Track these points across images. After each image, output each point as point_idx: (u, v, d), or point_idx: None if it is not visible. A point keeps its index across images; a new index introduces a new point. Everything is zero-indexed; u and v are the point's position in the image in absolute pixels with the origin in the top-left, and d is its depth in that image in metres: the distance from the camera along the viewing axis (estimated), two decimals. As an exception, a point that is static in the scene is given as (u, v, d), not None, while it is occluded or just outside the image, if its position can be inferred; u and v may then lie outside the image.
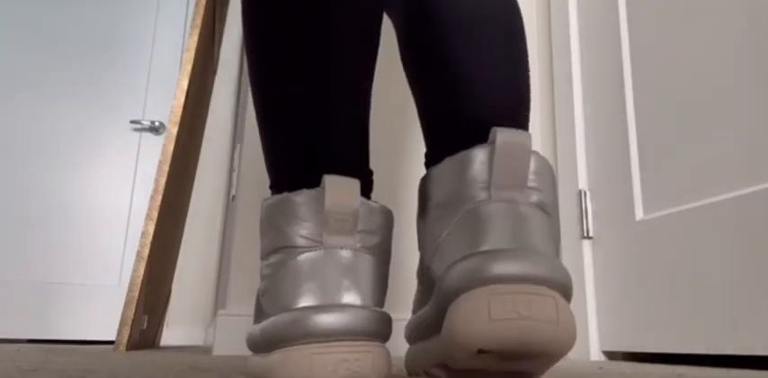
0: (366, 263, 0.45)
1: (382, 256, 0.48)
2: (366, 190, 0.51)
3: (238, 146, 1.43)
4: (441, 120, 0.54)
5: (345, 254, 0.44)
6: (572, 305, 1.18)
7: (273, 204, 0.47)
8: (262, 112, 0.52)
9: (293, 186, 0.47)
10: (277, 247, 0.45)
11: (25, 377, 0.48)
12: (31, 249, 2.29)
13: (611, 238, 1.12)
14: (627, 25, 1.17)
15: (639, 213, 1.07)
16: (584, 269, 1.17)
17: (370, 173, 0.53)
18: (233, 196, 1.51)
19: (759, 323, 0.81)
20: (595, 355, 1.11)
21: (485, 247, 0.41)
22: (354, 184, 0.45)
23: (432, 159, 0.54)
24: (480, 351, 0.38)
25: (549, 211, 0.45)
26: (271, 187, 0.52)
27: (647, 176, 1.07)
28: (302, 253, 0.44)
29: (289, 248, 0.45)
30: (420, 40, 0.56)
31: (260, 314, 0.48)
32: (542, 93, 1.40)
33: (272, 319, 0.43)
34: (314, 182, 0.47)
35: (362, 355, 0.41)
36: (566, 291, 0.40)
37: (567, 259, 1.21)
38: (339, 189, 0.45)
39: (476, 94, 0.52)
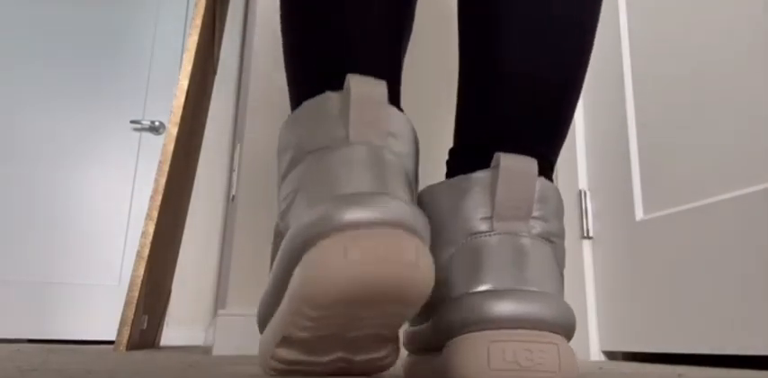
0: (397, 163, 0.40)
1: (411, 170, 0.43)
2: (395, 96, 0.47)
3: (238, 146, 1.43)
4: (470, 112, 0.50)
5: (375, 149, 0.39)
6: (572, 305, 1.19)
7: (296, 115, 0.43)
8: (288, 12, 0.49)
9: (312, 96, 0.43)
10: (301, 155, 0.41)
11: (25, 377, 0.48)
12: (31, 249, 2.29)
13: (611, 238, 1.12)
14: (627, 25, 1.17)
15: (639, 213, 1.07)
16: (584, 269, 1.17)
17: (399, 84, 0.49)
18: (233, 196, 1.51)
19: (759, 323, 0.81)
20: (595, 355, 1.11)
21: (484, 286, 0.39)
22: (381, 85, 0.41)
23: (454, 161, 0.50)
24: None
25: (554, 239, 0.43)
26: (292, 108, 0.48)
27: (647, 176, 1.07)
28: (333, 150, 0.39)
29: (316, 152, 0.40)
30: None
31: (274, 255, 0.43)
32: (542, 93, 1.40)
33: (293, 227, 0.37)
34: (339, 85, 0.42)
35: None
36: (568, 332, 0.39)
37: (567, 259, 1.22)
38: (364, 86, 0.40)
39: (514, 90, 0.47)
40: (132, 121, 2.48)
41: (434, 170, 0.81)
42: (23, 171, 2.35)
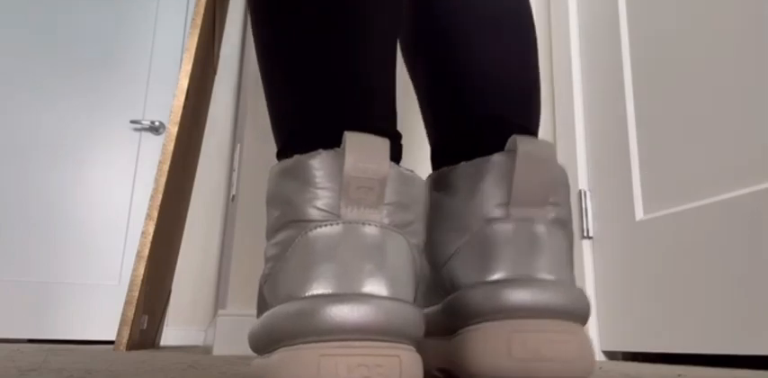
0: (396, 243, 0.36)
1: (416, 239, 0.38)
2: (396, 156, 0.42)
3: (238, 146, 1.43)
4: (450, 114, 0.49)
5: (370, 230, 0.35)
6: (572, 305, 1.19)
7: (283, 170, 0.38)
8: (269, 55, 0.43)
9: (307, 148, 0.38)
10: (286, 221, 0.37)
11: (25, 377, 0.48)
12: (31, 249, 2.29)
13: (611, 238, 1.12)
14: (627, 25, 1.17)
15: (639, 213, 1.07)
16: (584, 269, 1.17)
17: (399, 136, 0.43)
18: (233, 196, 1.51)
19: (759, 323, 0.81)
20: (595, 355, 1.11)
21: (500, 275, 0.39)
22: (383, 144, 0.36)
23: (442, 157, 0.49)
24: None
25: (566, 224, 0.43)
26: (278, 155, 0.43)
27: (647, 176, 1.07)
28: (315, 228, 0.35)
29: (299, 223, 0.36)
30: (430, 26, 0.52)
31: (263, 306, 0.41)
32: (542, 93, 1.40)
33: (274, 309, 0.34)
34: (333, 142, 0.38)
35: (387, 360, 0.32)
36: (584, 319, 0.39)
37: (567, 259, 1.21)
38: (364, 148, 0.35)
39: (489, 89, 0.48)
40: (132, 121, 2.48)
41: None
42: (23, 171, 2.35)
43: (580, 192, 1.21)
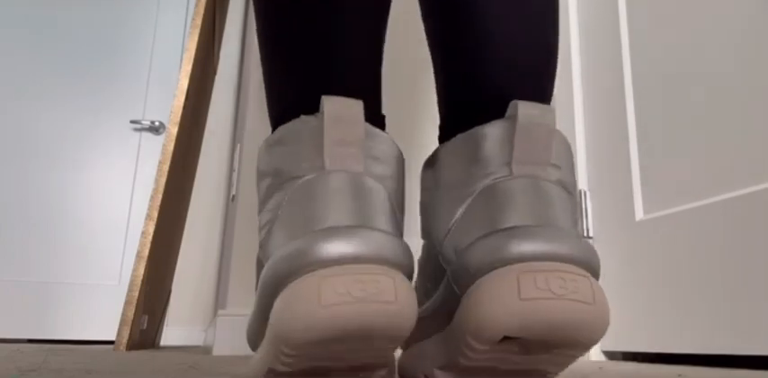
0: (377, 189, 0.38)
1: (395, 194, 0.41)
2: (375, 119, 0.45)
3: (238, 146, 1.43)
4: (456, 85, 0.48)
5: (353, 176, 0.38)
6: (572, 305, 1.18)
7: (270, 142, 0.41)
8: (265, 34, 0.47)
9: (289, 119, 0.41)
10: (275, 185, 0.39)
11: (25, 377, 0.48)
12: (31, 249, 2.29)
13: (611, 238, 1.12)
14: (627, 25, 1.17)
15: (639, 213, 1.07)
16: (584, 269, 1.17)
17: (383, 117, 0.47)
18: (233, 196, 1.51)
19: (759, 323, 0.81)
20: (595, 355, 1.11)
21: (509, 224, 0.37)
22: (357, 105, 0.39)
23: (445, 133, 0.49)
24: (504, 338, 0.34)
25: (570, 190, 0.41)
26: (273, 130, 0.46)
27: (647, 176, 1.07)
28: (305, 179, 0.38)
29: (289, 181, 0.38)
30: None
31: (257, 283, 0.42)
32: (542, 93, 1.40)
33: (272, 258, 0.36)
34: (315, 108, 0.41)
35: (382, 278, 0.33)
36: (596, 274, 0.37)
37: (567, 259, 1.21)
38: (339, 107, 0.38)
39: (499, 56, 0.46)
40: (132, 121, 2.48)
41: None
42: (23, 171, 2.35)
43: (580, 192, 1.21)
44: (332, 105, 0.38)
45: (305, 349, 0.33)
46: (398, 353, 0.45)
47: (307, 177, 0.38)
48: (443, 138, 0.49)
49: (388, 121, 0.50)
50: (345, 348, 0.34)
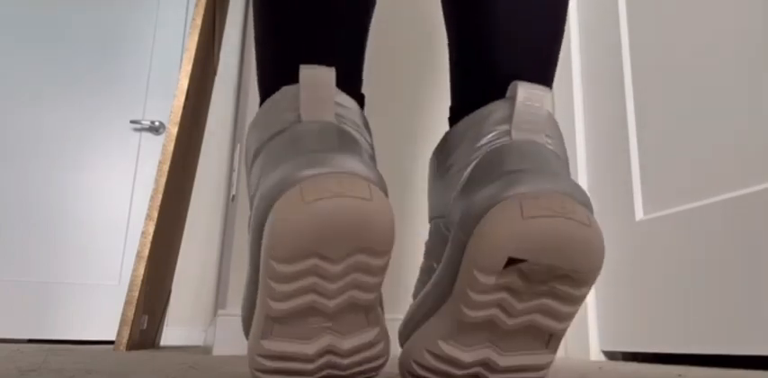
0: (350, 132, 0.43)
1: (367, 146, 0.46)
2: (350, 82, 0.50)
3: (238, 146, 1.43)
4: (466, 69, 0.52)
5: (327, 123, 0.42)
6: (572, 305, 1.19)
7: (256, 116, 0.46)
8: (258, 13, 0.51)
9: (273, 92, 0.46)
10: (261, 147, 0.44)
11: (25, 377, 0.48)
12: (31, 249, 2.29)
13: (611, 238, 1.12)
14: (627, 25, 1.17)
15: (639, 213, 1.07)
16: (584, 269, 1.16)
17: (362, 95, 0.51)
18: (233, 196, 1.51)
19: (759, 323, 0.81)
20: (595, 355, 1.11)
21: (510, 168, 0.40)
22: (329, 71, 0.44)
23: (454, 115, 0.52)
24: (510, 261, 0.36)
25: (563, 158, 0.45)
26: (261, 105, 0.50)
27: (647, 176, 1.07)
28: (283, 131, 0.42)
29: (277, 135, 0.43)
30: None
31: (253, 252, 0.43)
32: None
33: (257, 194, 0.39)
34: (294, 79, 0.45)
35: (357, 179, 0.37)
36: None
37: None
38: (313, 72, 0.43)
39: (509, 42, 0.50)
40: (132, 121, 2.48)
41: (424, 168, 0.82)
42: (23, 171, 2.35)
43: (580, 192, 1.21)
44: (307, 72, 0.43)
45: (295, 259, 0.36)
46: (398, 351, 0.45)
47: (285, 130, 0.42)
48: (453, 119, 0.52)
49: (392, 122, 0.51)
50: (330, 254, 0.36)
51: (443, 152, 0.48)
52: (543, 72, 0.51)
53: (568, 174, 0.44)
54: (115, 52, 2.54)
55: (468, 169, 0.44)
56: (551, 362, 0.42)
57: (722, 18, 0.95)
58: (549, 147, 0.44)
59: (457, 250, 0.40)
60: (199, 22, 1.48)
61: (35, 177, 2.35)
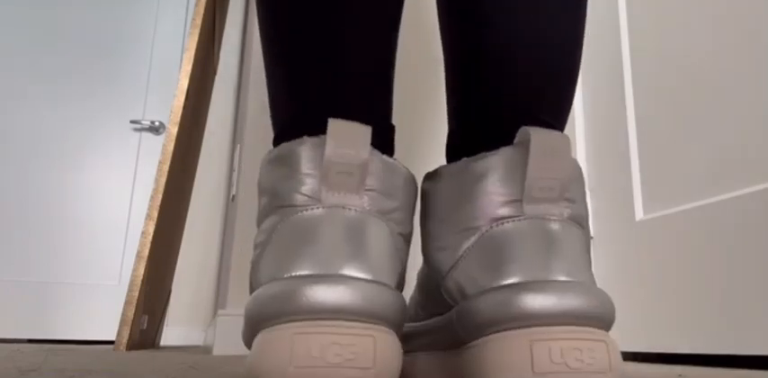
0: (377, 228, 0.36)
1: (400, 227, 0.38)
2: (385, 146, 0.42)
3: (238, 146, 1.43)
4: (470, 101, 0.45)
5: (350, 214, 0.35)
6: (572, 305, 1.19)
7: (271, 158, 0.39)
8: (266, 43, 0.44)
9: (295, 136, 0.38)
10: (272, 207, 0.37)
11: (25, 377, 0.48)
12: (31, 249, 2.29)
13: (611, 238, 1.12)
14: (627, 25, 1.17)
15: (639, 213, 1.07)
16: (584, 269, 1.16)
17: (392, 128, 0.43)
18: (233, 196, 1.51)
19: (759, 323, 0.81)
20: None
21: (515, 278, 0.35)
22: (364, 130, 0.36)
23: (452, 150, 0.46)
24: None
25: (584, 224, 0.39)
26: (274, 142, 0.43)
27: (647, 176, 1.07)
28: (298, 212, 0.36)
29: (284, 208, 0.36)
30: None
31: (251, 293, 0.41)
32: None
33: (255, 293, 0.34)
34: (320, 130, 0.37)
35: (361, 339, 0.31)
36: (610, 324, 0.35)
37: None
38: (344, 133, 0.36)
39: (519, 78, 0.43)
40: (132, 121, 2.48)
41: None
42: (23, 171, 2.35)
43: (580, 192, 1.21)
44: (337, 130, 0.36)
45: None
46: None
47: (301, 211, 0.36)
48: (450, 155, 0.46)
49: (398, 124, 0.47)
50: None
51: (438, 192, 0.41)
52: (558, 113, 0.43)
53: (586, 254, 0.38)
54: (115, 52, 2.54)
55: (469, 244, 0.38)
56: None
57: (722, 18, 0.95)
58: (566, 215, 0.37)
59: (456, 337, 0.38)
60: (199, 22, 1.48)
61: (35, 177, 2.35)
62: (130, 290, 1.27)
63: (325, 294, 0.32)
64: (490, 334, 0.34)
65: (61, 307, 2.25)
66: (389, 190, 0.37)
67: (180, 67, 2.52)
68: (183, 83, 1.43)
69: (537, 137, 0.36)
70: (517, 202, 0.37)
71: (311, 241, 0.34)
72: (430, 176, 0.43)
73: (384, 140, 0.42)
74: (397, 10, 0.45)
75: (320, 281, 0.32)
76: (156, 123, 2.48)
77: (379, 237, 0.36)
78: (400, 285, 0.38)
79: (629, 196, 1.09)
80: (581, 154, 1.24)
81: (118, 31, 2.56)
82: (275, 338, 0.31)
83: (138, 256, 1.29)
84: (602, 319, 0.34)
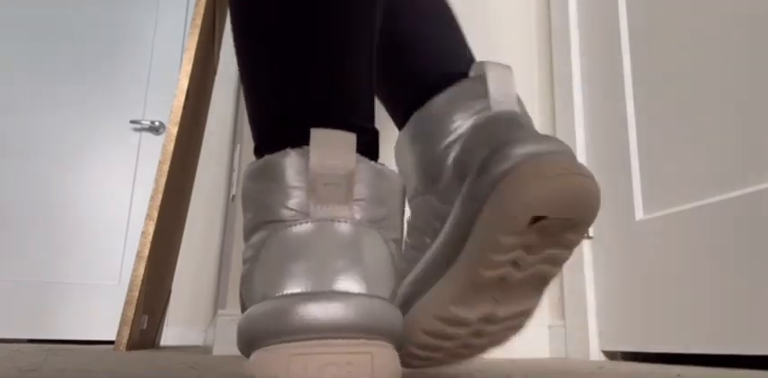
0: (370, 239, 0.35)
1: (392, 233, 0.38)
2: (370, 152, 0.41)
3: (238, 146, 1.43)
4: (401, 78, 0.55)
5: (340, 227, 0.35)
6: (572, 305, 1.19)
7: (253, 171, 0.38)
8: (244, 48, 0.43)
9: (277, 148, 0.37)
10: (259, 222, 0.37)
11: (25, 377, 0.48)
12: (31, 249, 2.29)
13: (611, 238, 1.12)
14: (627, 25, 1.17)
15: (639, 213, 1.07)
16: (584, 269, 1.17)
17: (376, 133, 0.43)
18: (233, 196, 1.51)
19: (759, 323, 0.81)
20: (595, 355, 1.11)
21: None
22: (349, 138, 0.36)
23: (412, 103, 0.53)
24: (534, 219, 0.38)
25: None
26: (255, 152, 0.42)
27: (647, 176, 1.07)
28: (287, 228, 0.35)
29: (272, 223, 0.36)
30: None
31: (242, 308, 0.40)
32: (542, 93, 1.40)
33: (249, 310, 0.34)
34: (302, 141, 0.37)
35: (357, 357, 0.31)
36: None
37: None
38: (328, 144, 0.35)
39: (429, 53, 0.54)
40: (132, 121, 2.48)
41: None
42: (23, 171, 2.35)
43: (580, 192, 1.21)
44: (320, 140, 0.35)
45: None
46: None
47: (290, 226, 0.35)
48: (414, 105, 0.52)
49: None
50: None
51: (420, 131, 0.49)
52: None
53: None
54: (115, 52, 2.54)
55: (459, 144, 0.45)
56: (539, 302, 0.45)
57: (722, 18, 0.95)
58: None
59: (465, 220, 0.41)
60: (199, 22, 1.48)
61: (35, 177, 2.35)
62: (130, 290, 1.26)
63: (319, 312, 0.31)
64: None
65: (61, 307, 2.25)
66: (379, 197, 0.37)
67: (180, 67, 2.52)
68: (183, 83, 1.43)
69: (490, 64, 0.47)
70: (488, 106, 0.46)
71: (301, 257, 0.34)
72: (407, 126, 0.52)
73: (368, 146, 0.41)
74: (377, 10, 0.47)
75: (313, 299, 0.32)
76: (156, 123, 2.48)
77: (372, 247, 0.35)
78: (396, 293, 0.38)
79: (629, 196, 1.09)
80: (581, 154, 1.24)
81: (118, 31, 2.56)
82: (272, 360, 0.31)
83: (138, 256, 1.29)
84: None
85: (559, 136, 1.30)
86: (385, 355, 0.32)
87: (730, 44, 0.93)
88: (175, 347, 1.74)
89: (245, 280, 0.37)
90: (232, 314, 1.11)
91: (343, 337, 0.31)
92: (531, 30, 1.46)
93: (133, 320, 1.24)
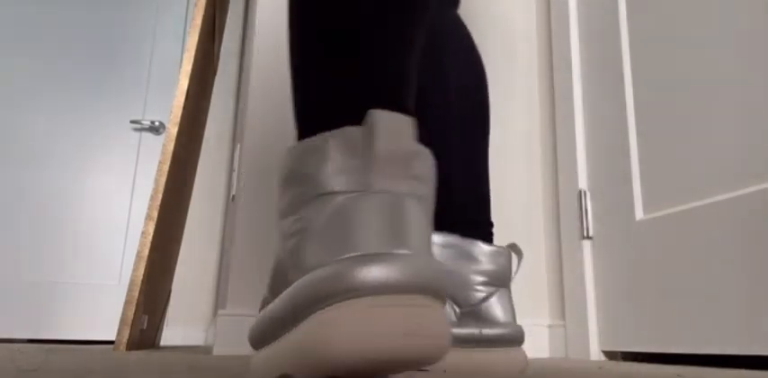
0: (419, 211, 0.37)
1: (431, 213, 0.40)
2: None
3: (238, 146, 1.43)
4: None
5: (398, 199, 0.36)
6: (572, 305, 1.19)
7: (308, 148, 0.39)
8: (300, 31, 0.44)
9: (332, 126, 0.39)
10: (311, 196, 0.37)
11: (25, 377, 0.48)
12: (32, 249, 2.29)
13: (611, 238, 1.12)
14: (627, 25, 1.17)
15: (639, 213, 1.07)
16: (584, 269, 1.17)
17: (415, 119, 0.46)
18: (233, 196, 1.51)
19: (759, 323, 0.81)
20: (595, 355, 1.11)
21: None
22: (409, 121, 0.38)
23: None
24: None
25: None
26: (300, 135, 0.43)
27: (647, 176, 1.07)
28: (346, 198, 0.36)
29: (327, 195, 0.37)
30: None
31: (278, 287, 0.40)
32: (542, 93, 1.40)
33: (301, 280, 0.35)
34: (356, 119, 0.39)
35: (427, 310, 0.33)
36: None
37: (566, 259, 1.21)
38: (392, 125, 0.37)
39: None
40: (132, 121, 2.48)
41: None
42: (23, 171, 2.35)
43: (580, 192, 1.21)
44: (384, 121, 0.37)
45: (338, 370, 0.33)
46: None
47: (348, 195, 0.36)
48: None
49: None
50: (377, 373, 0.34)
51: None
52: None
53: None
54: (115, 52, 2.54)
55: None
56: None
57: (722, 18, 0.95)
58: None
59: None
60: (199, 21, 1.48)
61: (35, 177, 2.35)
62: (130, 290, 1.26)
63: (387, 271, 0.33)
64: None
65: (61, 307, 2.25)
66: (425, 177, 0.39)
67: (180, 67, 2.52)
68: (183, 83, 1.43)
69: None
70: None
71: (361, 224, 0.35)
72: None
73: (416, 125, 0.43)
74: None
75: (380, 259, 0.33)
76: (156, 123, 2.48)
77: (421, 219, 0.37)
78: None
79: (629, 196, 1.09)
80: (581, 154, 1.24)
81: (118, 31, 2.56)
82: (349, 312, 0.32)
83: (138, 256, 1.29)
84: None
85: (559, 136, 1.30)
86: (444, 314, 0.35)
87: (730, 44, 0.93)
88: (175, 347, 1.74)
89: (293, 254, 0.38)
90: (232, 314, 1.11)
91: (413, 293, 0.33)
92: (531, 29, 1.46)
93: (133, 320, 1.24)
